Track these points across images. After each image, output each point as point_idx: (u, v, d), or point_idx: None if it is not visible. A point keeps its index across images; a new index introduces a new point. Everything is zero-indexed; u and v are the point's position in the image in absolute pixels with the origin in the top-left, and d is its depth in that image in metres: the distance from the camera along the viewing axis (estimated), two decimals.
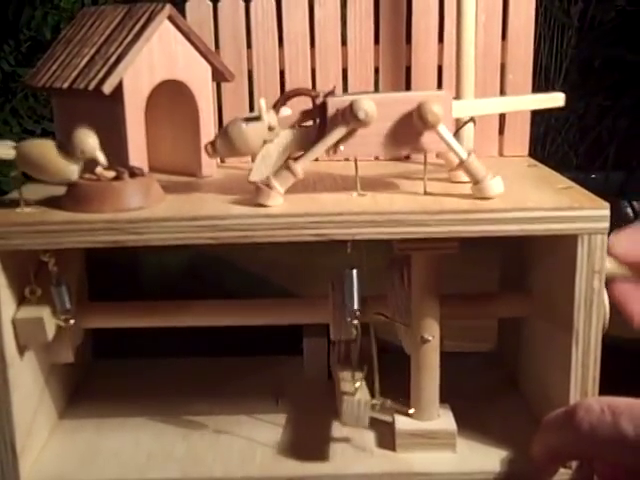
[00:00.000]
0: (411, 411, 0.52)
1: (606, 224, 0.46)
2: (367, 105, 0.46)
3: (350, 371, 0.54)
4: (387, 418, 0.54)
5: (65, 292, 0.49)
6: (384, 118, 0.48)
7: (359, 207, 0.47)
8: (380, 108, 0.47)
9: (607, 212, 0.46)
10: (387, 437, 0.53)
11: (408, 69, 0.61)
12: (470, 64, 0.56)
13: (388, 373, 0.52)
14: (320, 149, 0.48)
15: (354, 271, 0.49)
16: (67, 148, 0.47)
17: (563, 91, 0.55)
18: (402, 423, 0.52)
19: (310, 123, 0.49)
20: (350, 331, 0.51)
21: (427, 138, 0.48)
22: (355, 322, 0.50)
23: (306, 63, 0.61)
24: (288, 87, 0.61)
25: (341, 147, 0.48)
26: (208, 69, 0.56)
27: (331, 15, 0.60)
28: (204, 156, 0.56)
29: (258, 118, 0.48)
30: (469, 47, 0.56)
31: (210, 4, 0.60)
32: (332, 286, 0.52)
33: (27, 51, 1.29)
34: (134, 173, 0.49)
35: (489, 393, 0.59)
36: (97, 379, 0.63)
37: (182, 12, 0.59)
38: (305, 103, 0.49)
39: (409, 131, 0.48)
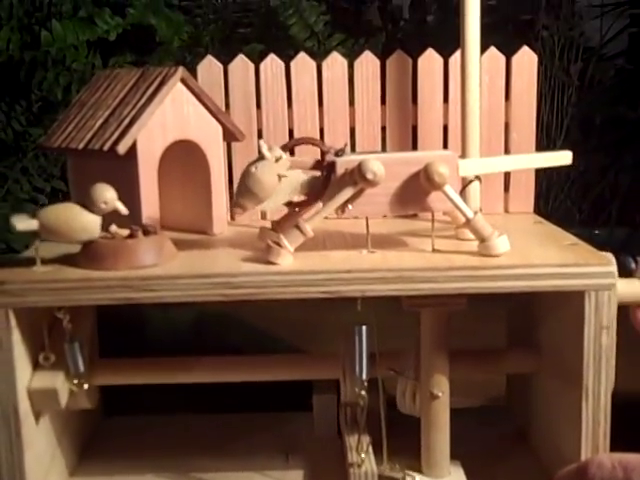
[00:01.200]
0: (418, 478, 0.52)
1: (613, 280, 0.47)
2: (375, 166, 0.48)
3: (357, 435, 0.54)
4: (398, 475, 0.54)
5: (78, 351, 0.50)
6: (392, 178, 0.49)
7: (368, 264, 0.48)
8: (388, 168, 0.48)
9: (614, 268, 0.47)
10: None
11: (414, 128, 0.63)
12: (475, 124, 0.57)
13: (398, 429, 0.52)
14: (329, 209, 0.49)
15: (364, 327, 0.50)
16: (89, 204, 0.48)
17: (565, 148, 0.56)
18: None
19: (319, 173, 0.50)
20: (359, 394, 0.51)
21: (434, 198, 0.49)
22: (363, 392, 0.51)
23: (315, 123, 0.62)
24: (296, 148, 0.62)
25: (349, 206, 0.49)
26: (219, 129, 0.57)
27: (338, 76, 0.62)
28: (215, 214, 0.57)
29: (262, 158, 0.49)
30: (474, 107, 0.57)
31: (221, 66, 0.61)
32: (343, 344, 0.53)
33: (38, 111, 1.31)
34: (147, 231, 0.50)
35: (499, 448, 0.59)
36: (107, 436, 0.63)
37: (194, 73, 0.61)
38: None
39: (416, 191, 0.49)
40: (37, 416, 0.50)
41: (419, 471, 0.53)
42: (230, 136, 0.58)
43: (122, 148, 0.51)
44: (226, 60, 1.40)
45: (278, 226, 0.52)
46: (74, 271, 0.48)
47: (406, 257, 0.49)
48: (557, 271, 0.47)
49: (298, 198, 0.50)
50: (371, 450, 0.53)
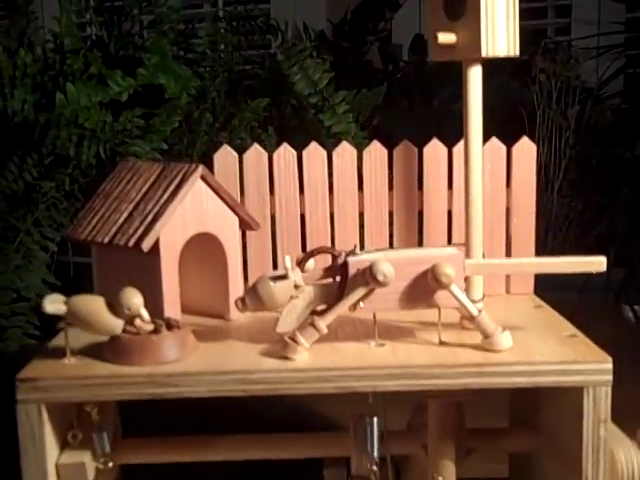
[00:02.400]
0: None
1: (609, 377, 0.50)
2: (385, 268, 0.51)
3: None
4: None
5: (105, 438, 0.53)
6: (400, 277, 0.52)
7: (379, 360, 0.51)
8: (397, 268, 0.51)
9: (610, 365, 0.50)
10: None
11: (420, 213, 0.66)
12: (478, 209, 0.60)
13: None
14: (342, 307, 0.52)
15: (375, 419, 0.53)
16: (114, 305, 0.51)
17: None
18: None
19: (330, 280, 0.53)
20: (369, 469, 0.54)
21: (441, 295, 0.52)
22: (374, 468, 0.53)
23: (325, 208, 0.65)
24: (308, 230, 0.65)
25: (361, 304, 0.52)
26: (235, 220, 0.60)
27: (348, 164, 0.65)
28: (232, 300, 0.60)
29: (284, 277, 0.52)
30: (477, 194, 0.60)
31: (236, 155, 0.64)
32: (353, 424, 0.56)
33: (49, 164, 1.34)
34: (170, 324, 0.53)
35: None
36: None
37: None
38: (325, 259, 0.54)
39: (424, 289, 0.52)
40: None
41: None
42: (245, 226, 0.61)
43: (146, 246, 0.54)
44: (233, 112, 1.43)
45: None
46: (102, 366, 0.51)
47: (414, 351, 0.52)
48: (557, 368, 0.50)
49: (318, 308, 0.53)
50: None
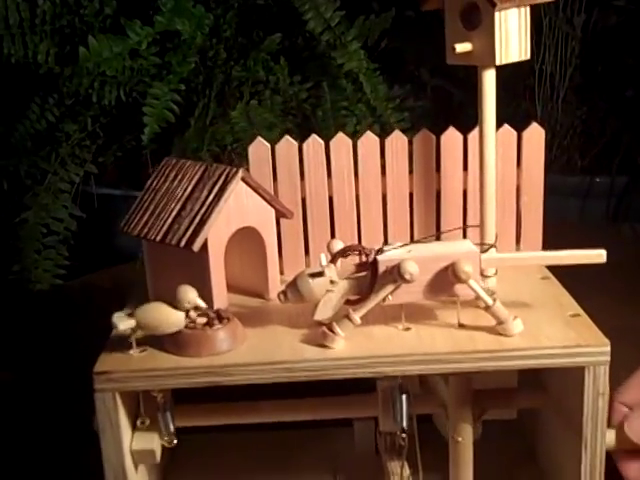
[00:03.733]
0: None
1: (607, 357, 0.58)
2: (411, 267, 0.58)
3: (398, 462, 0.65)
4: None
5: (169, 417, 0.61)
6: (424, 273, 0.59)
7: (406, 347, 0.58)
8: (421, 265, 0.58)
9: (608, 348, 0.58)
10: None
11: (438, 193, 0.72)
12: (491, 189, 0.67)
13: (431, 451, 0.64)
14: (374, 301, 0.59)
15: (404, 396, 0.61)
16: (175, 303, 0.58)
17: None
18: None
19: (362, 273, 0.60)
20: (399, 437, 0.63)
21: (460, 288, 0.59)
22: (403, 435, 0.62)
23: (351, 191, 0.72)
24: (336, 212, 0.72)
25: (390, 297, 0.59)
26: (272, 212, 0.67)
27: (371, 150, 0.71)
28: (270, 283, 0.68)
29: (322, 274, 0.59)
30: (491, 174, 0.67)
31: (269, 146, 0.70)
32: (382, 396, 0.64)
33: (71, 105, 1.40)
34: (221, 316, 0.60)
35: (510, 466, 0.71)
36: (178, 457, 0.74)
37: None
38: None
39: (445, 282, 0.59)
40: (136, 468, 0.62)
41: None
42: (281, 215, 0.67)
43: (197, 246, 0.61)
44: (247, 46, 1.45)
45: None
46: (165, 358, 0.59)
47: (437, 336, 0.60)
48: (562, 352, 0.58)
49: (351, 297, 0.60)
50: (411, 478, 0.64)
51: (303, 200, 0.72)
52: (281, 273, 0.71)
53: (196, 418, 0.67)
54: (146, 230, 0.65)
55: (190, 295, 0.58)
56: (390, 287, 0.59)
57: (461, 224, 0.72)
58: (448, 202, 0.72)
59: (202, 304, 0.58)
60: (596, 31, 2.20)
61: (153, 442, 0.61)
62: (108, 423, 0.58)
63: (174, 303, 0.58)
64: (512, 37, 0.62)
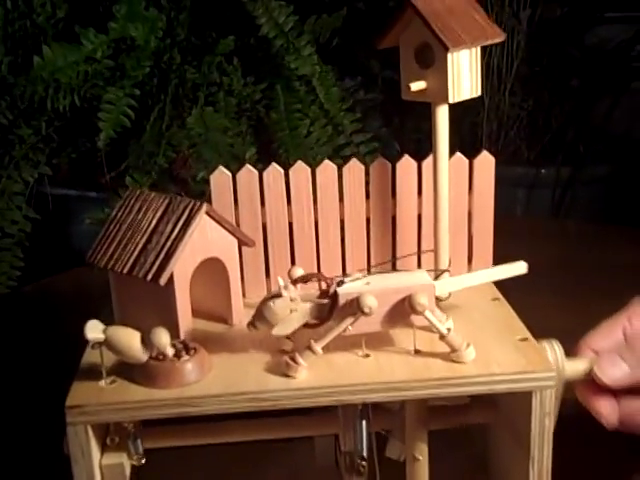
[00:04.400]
0: None
1: (553, 382, 0.62)
2: (370, 301, 0.61)
3: None
4: None
5: (139, 443, 0.64)
6: (382, 305, 0.62)
7: (366, 375, 0.61)
8: (379, 298, 0.61)
9: (554, 373, 0.62)
10: None
11: (394, 218, 0.75)
12: (445, 215, 0.71)
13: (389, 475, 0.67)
14: (335, 333, 0.62)
15: (364, 422, 0.64)
16: (145, 341, 0.60)
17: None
18: None
19: (324, 300, 0.63)
20: (360, 464, 0.66)
21: (416, 318, 0.63)
22: (363, 463, 0.65)
23: (310, 216, 0.74)
24: (296, 237, 0.75)
25: (350, 327, 0.62)
26: (235, 242, 0.69)
27: (330, 179, 0.73)
28: (234, 308, 0.70)
29: (279, 295, 0.62)
30: (444, 203, 0.70)
31: (229, 174, 0.73)
32: (343, 421, 0.67)
33: (24, 109, 1.40)
34: (188, 347, 0.63)
35: (463, 476, 0.75)
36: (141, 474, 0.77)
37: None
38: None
39: (402, 312, 0.63)
40: None
41: None
42: (243, 244, 0.70)
43: (163, 281, 0.64)
44: (201, 48, 1.46)
45: (293, 337, 0.64)
46: (135, 390, 0.61)
47: (395, 364, 0.63)
48: (511, 378, 0.61)
49: (311, 321, 0.63)
50: None
51: (264, 225, 0.74)
52: (244, 296, 0.73)
53: (163, 440, 0.69)
54: (112, 262, 0.67)
55: (163, 341, 0.60)
56: (350, 319, 0.62)
57: (416, 247, 0.76)
58: (403, 226, 0.75)
59: (170, 352, 0.61)
60: (541, 24, 2.25)
61: (123, 458, 0.64)
62: (80, 452, 0.60)
63: (145, 337, 0.61)
64: (464, 76, 0.65)
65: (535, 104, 2.19)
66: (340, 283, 0.63)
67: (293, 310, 0.62)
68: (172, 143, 1.29)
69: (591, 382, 0.67)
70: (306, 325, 0.63)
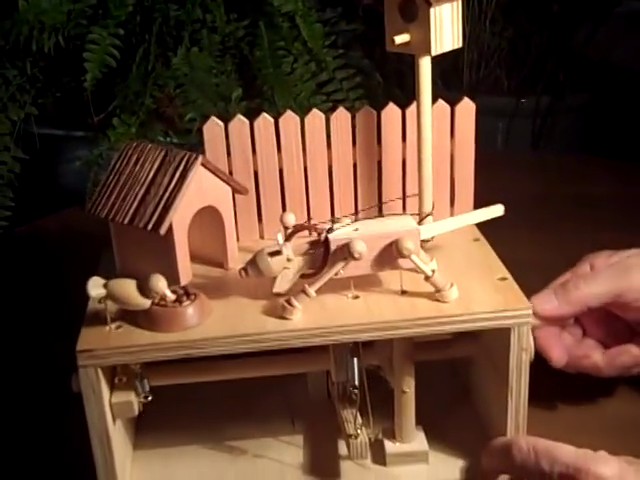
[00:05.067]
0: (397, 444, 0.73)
1: (530, 318, 0.66)
2: (359, 246, 0.65)
3: (350, 410, 0.74)
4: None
5: (145, 382, 0.68)
6: (371, 249, 0.66)
7: (356, 316, 0.66)
8: (368, 243, 0.65)
9: (530, 310, 0.66)
10: (380, 457, 0.74)
11: (379, 163, 0.79)
12: (428, 162, 0.74)
13: (379, 404, 0.73)
14: (327, 276, 0.66)
15: (355, 359, 0.69)
16: (144, 288, 0.64)
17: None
18: (390, 447, 0.73)
19: (315, 250, 0.67)
20: (352, 392, 0.71)
21: (402, 261, 0.67)
22: (355, 391, 0.70)
23: (300, 163, 0.78)
24: (286, 184, 0.78)
25: (341, 271, 0.66)
26: (229, 191, 0.72)
27: (318, 127, 0.76)
28: (229, 253, 0.74)
29: (279, 252, 0.66)
30: (427, 149, 0.74)
31: (222, 124, 0.75)
32: (334, 357, 0.72)
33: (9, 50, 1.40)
34: (188, 293, 0.67)
35: (447, 405, 0.80)
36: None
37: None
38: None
39: (389, 256, 0.67)
40: (115, 420, 0.69)
41: (393, 436, 0.74)
42: (236, 192, 0.73)
43: (163, 230, 0.67)
44: None
45: None
46: (140, 334, 0.65)
47: (383, 305, 0.67)
48: (492, 316, 0.66)
49: (306, 272, 0.67)
50: (363, 424, 0.73)
51: (255, 173, 0.78)
52: (237, 240, 0.77)
53: (166, 378, 0.73)
54: (113, 213, 0.70)
55: (159, 285, 0.64)
56: (341, 264, 0.66)
57: (401, 191, 0.79)
58: (389, 171, 0.79)
59: (169, 295, 0.64)
60: None
61: (131, 396, 0.68)
62: (91, 392, 0.65)
63: (143, 284, 0.64)
64: (446, 29, 0.68)
65: (516, 32, 2.20)
66: (330, 230, 0.67)
67: (286, 267, 0.66)
68: (158, 83, 1.31)
69: (543, 330, 0.75)
70: (302, 276, 0.67)
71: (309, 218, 0.77)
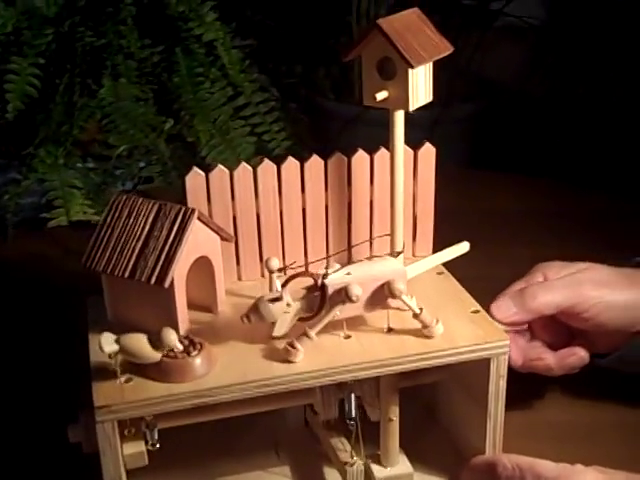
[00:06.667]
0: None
1: (507, 348, 0.73)
2: (356, 290, 0.70)
3: (339, 439, 0.79)
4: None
5: (155, 431, 0.71)
6: (364, 291, 0.71)
7: (354, 355, 0.71)
8: (362, 285, 0.71)
9: (507, 341, 0.73)
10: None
11: (349, 204, 0.84)
12: (400, 202, 0.80)
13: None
14: (326, 319, 0.71)
15: (352, 395, 0.74)
16: (155, 342, 0.67)
17: None
18: (378, 471, 0.79)
19: (313, 294, 0.72)
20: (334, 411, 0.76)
21: (392, 301, 0.72)
22: (352, 423, 0.75)
23: (276, 208, 0.82)
24: (263, 227, 0.82)
25: (338, 312, 0.71)
26: (218, 239, 0.76)
27: (293, 174, 0.81)
28: (218, 298, 0.78)
29: (280, 298, 0.70)
30: (399, 193, 0.80)
31: (203, 174, 0.79)
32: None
33: None
34: (194, 343, 0.70)
35: (417, 426, 0.86)
36: None
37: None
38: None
39: (380, 297, 0.72)
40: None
41: (379, 461, 0.80)
42: (223, 240, 0.77)
43: (167, 283, 0.70)
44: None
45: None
46: (154, 386, 0.68)
47: (375, 343, 0.73)
48: (475, 348, 0.72)
49: (304, 315, 0.71)
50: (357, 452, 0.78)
51: (234, 218, 0.81)
52: None
53: (170, 421, 0.75)
54: (111, 266, 0.72)
55: (172, 338, 0.67)
56: (339, 307, 0.71)
57: (368, 231, 0.85)
58: (357, 212, 0.84)
59: (179, 347, 0.68)
60: None
61: (142, 446, 0.71)
62: (108, 446, 0.67)
63: (153, 338, 0.67)
64: (420, 86, 0.74)
65: None
66: (325, 276, 0.72)
67: (286, 312, 0.70)
68: (84, 113, 1.31)
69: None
70: (300, 319, 0.72)
71: (284, 260, 0.82)
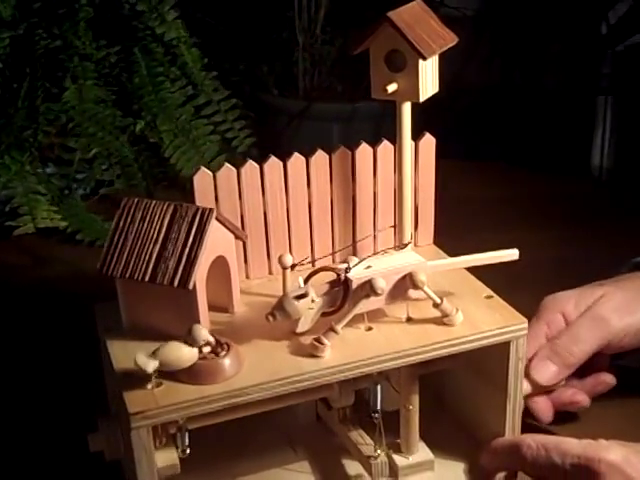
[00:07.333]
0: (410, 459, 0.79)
1: (525, 331, 0.75)
2: (381, 283, 0.70)
3: (358, 432, 0.79)
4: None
5: (186, 435, 0.70)
6: (387, 284, 0.72)
7: (378, 347, 0.71)
8: (385, 278, 0.71)
9: (526, 324, 0.75)
10: (392, 469, 0.80)
11: (354, 198, 0.84)
12: (408, 194, 0.81)
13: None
14: (352, 314, 0.71)
15: (378, 387, 0.75)
16: (190, 341, 0.66)
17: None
18: (401, 461, 0.79)
19: (335, 289, 0.72)
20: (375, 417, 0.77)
21: (413, 292, 0.73)
22: (376, 415, 0.76)
23: (283, 205, 0.82)
24: (270, 226, 0.82)
25: (361, 306, 0.72)
26: (233, 238, 0.75)
27: (299, 169, 0.81)
28: (234, 297, 0.77)
29: (305, 295, 0.70)
30: (407, 180, 0.81)
31: (211, 174, 0.78)
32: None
33: None
34: (221, 343, 0.69)
35: (430, 413, 0.87)
36: None
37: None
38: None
39: (402, 288, 0.73)
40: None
41: (399, 449, 0.80)
42: (238, 238, 0.76)
43: (191, 285, 0.69)
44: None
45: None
46: (185, 389, 0.67)
47: (397, 334, 0.73)
48: (496, 332, 0.74)
49: (327, 310, 0.71)
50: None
51: (242, 217, 0.81)
52: None
53: (198, 422, 0.74)
54: (129, 271, 0.71)
55: (203, 332, 0.66)
56: (364, 300, 0.71)
57: (372, 223, 0.86)
58: (362, 204, 0.85)
59: (211, 338, 0.67)
60: None
61: (174, 455, 0.70)
62: (144, 454, 0.66)
63: (186, 340, 0.67)
64: (429, 79, 0.75)
65: (345, 42, 2.30)
66: (347, 270, 0.72)
67: (310, 308, 0.70)
68: (49, 118, 1.28)
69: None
70: (323, 314, 0.72)
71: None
